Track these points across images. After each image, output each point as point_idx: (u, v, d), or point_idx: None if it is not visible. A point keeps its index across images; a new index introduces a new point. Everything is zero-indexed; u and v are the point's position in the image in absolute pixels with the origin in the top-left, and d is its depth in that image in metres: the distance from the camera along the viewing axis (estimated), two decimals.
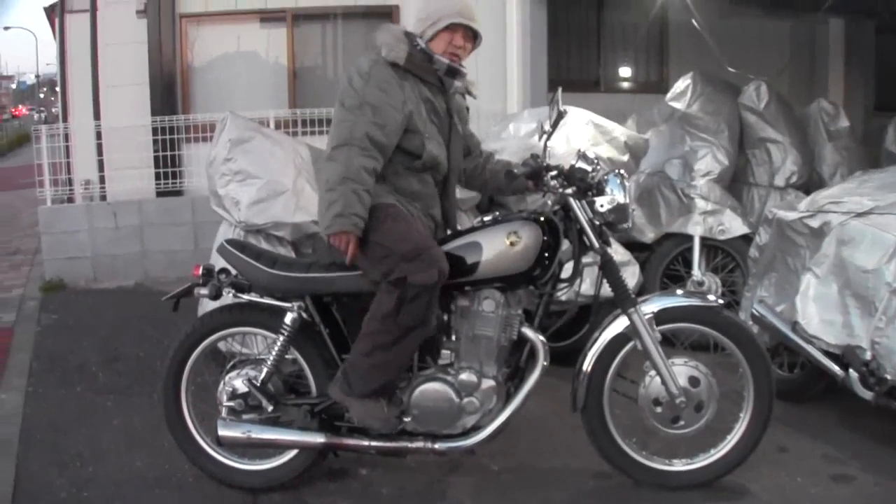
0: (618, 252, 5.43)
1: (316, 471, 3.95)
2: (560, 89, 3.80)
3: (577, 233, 3.65)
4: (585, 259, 3.70)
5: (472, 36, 3.71)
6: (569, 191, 3.63)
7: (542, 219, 3.64)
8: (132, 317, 6.73)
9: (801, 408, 4.82)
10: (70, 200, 9.04)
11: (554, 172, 3.65)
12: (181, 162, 8.58)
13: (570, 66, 9.98)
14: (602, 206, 3.61)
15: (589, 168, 3.64)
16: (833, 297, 4.37)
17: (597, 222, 3.63)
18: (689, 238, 6.17)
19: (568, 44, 9.90)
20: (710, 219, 6.14)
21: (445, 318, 3.67)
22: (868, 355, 4.09)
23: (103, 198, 8.91)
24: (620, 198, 3.62)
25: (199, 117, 8.53)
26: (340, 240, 3.51)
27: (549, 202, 3.71)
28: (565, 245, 3.67)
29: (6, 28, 52.93)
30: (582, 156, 3.68)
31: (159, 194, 8.82)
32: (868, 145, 7.65)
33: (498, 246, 3.57)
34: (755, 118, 6.53)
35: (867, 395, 4.12)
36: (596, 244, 3.61)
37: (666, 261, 6.27)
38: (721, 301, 3.79)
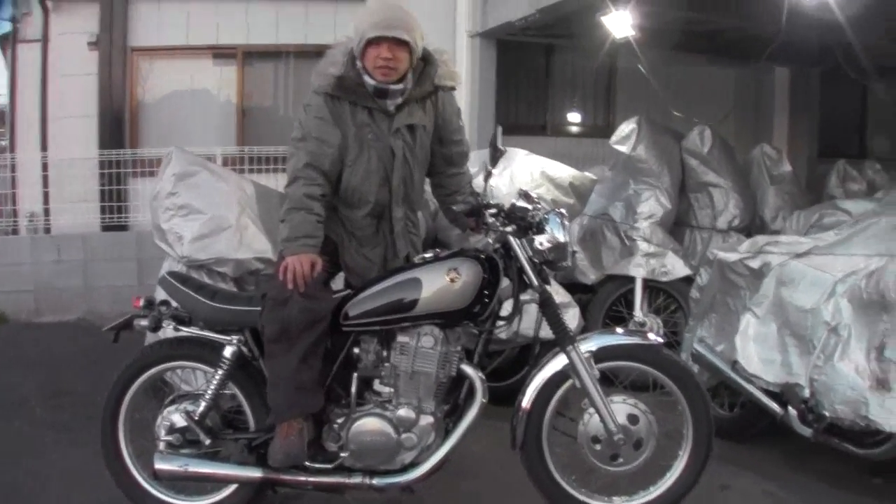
0: (559, 293, 5.43)
1: None
2: (499, 128, 3.83)
3: (516, 271, 3.64)
4: (525, 297, 3.69)
5: (404, 44, 3.66)
6: (509, 229, 3.63)
7: (482, 256, 3.65)
8: (74, 351, 6.66)
9: (742, 446, 4.86)
10: (14, 232, 8.93)
11: (493, 210, 3.66)
12: (127, 196, 8.54)
13: (519, 111, 10.05)
14: (542, 244, 3.61)
15: (529, 207, 3.65)
16: (772, 337, 4.45)
17: (536, 260, 3.63)
18: (632, 280, 6.22)
19: (516, 88, 9.96)
20: (653, 261, 6.20)
21: (385, 353, 3.65)
22: (807, 392, 4.17)
23: (48, 230, 8.84)
24: (560, 237, 3.62)
25: (147, 152, 8.52)
26: (288, 266, 3.55)
27: (490, 240, 3.71)
28: (505, 283, 3.68)
29: None
30: (523, 195, 3.70)
31: (104, 228, 8.77)
32: (812, 191, 7.80)
33: (438, 282, 3.57)
34: (698, 162, 6.65)
35: (806, 432, 4.21)
36: (535, 282, 3.61)
37: (608, 302, 6.31)
38: (661, 339, 3.80)
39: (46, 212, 8.88)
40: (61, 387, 5.96)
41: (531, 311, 3.80)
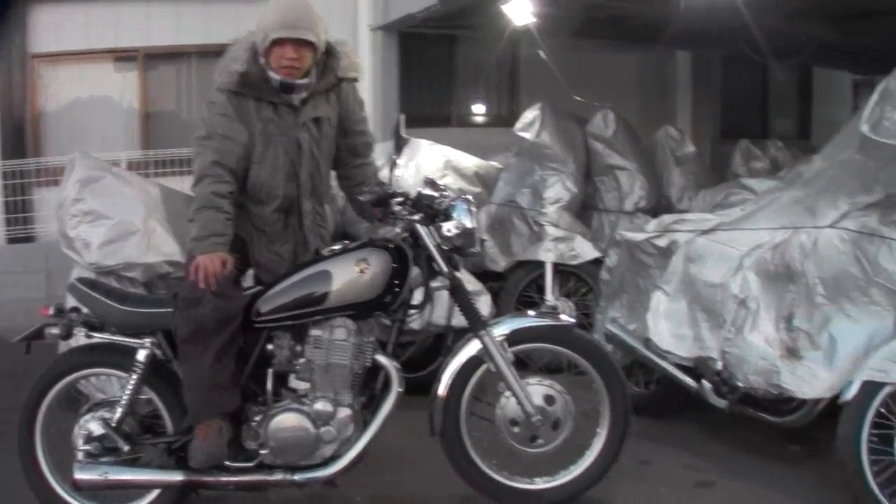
0: (469, 282, 5.47)
1: None
2: (402, 116, 3.86)
3: (425, 259, 3.67)
4: (435, 284, 3.72)
5: (308, 44, 3.68)
6: (416, 217, 3.66)
7: (390, 246, 3.67)
8: None
9: (660, 422, 4.94)
10: None
11: (400, 199, 3.68)
12: (32, 207, 8.34)
13: (423, 102, 10.05)
14: (449, 231, 3.64)
15: (435, 194, 3.68)
16: (683, 313, 4.51)
17: (445, 248, 3.66)
18: (542, 265, 6.26)
19: (420, 80, 9.97)
20: (562, 245, 6.25)
21: (299, 348, 3.65)
22: (719, 365, 4.24)
23: None
24: (468, 223, 3.66)
25: (51, 160, 8.33)
26: (199, 266, 3.53)
27: (398, 229, 3.73)
28: (415, 271, 3.70)
29: None
30: (429, 182, 3.73)
31: (10, 241, 8.58)
32: (716, 171, 7.96)
33: (348, 274, 3.58)
34: (603, 146, 6.72)
35: (721, 403, 4.28)
36: (444, 269, 3.64)
37: (519, 288, 6.36)
38: (572, 320, 3.86)
39: None
40: None
41: (443, 299, 3.83)
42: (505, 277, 6.50)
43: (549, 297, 6.18)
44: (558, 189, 6.45)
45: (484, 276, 6.32)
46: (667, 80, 11.18)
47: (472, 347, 3.74)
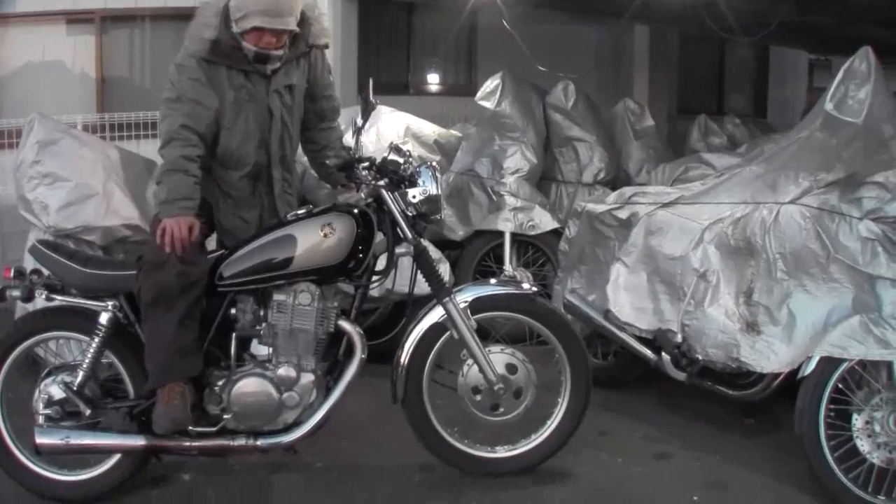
0: (429, 249, 5.49)
1: (138, 479, 3.84)
2: (370, 81, 3.84)
3: (390, 224, 3.67)
4: (400, 250, 3.72)
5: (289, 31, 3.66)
6: (381, 182, 3.65)
7: (355, 211, 3.66)
8: None
9: (619, 393, 4.99)
10: None
11: (365, 164, 3.67)
12: None
13: (381, 69, 9.95)
14: (414, 197, 3.65)
15: (401, 160, 3.68)
16: (643, 285, 4.55)
17: (410, 213, 3.67)
18: (500, 234, 6.27)
19: (378, 47, 9.89)
20: (520, 215, 6.25)
21: (262, 313, 3.64)
22: (679, 338, 4.28)
23: None
24: (432, 189, 3.67)
25: (5, 123, 8.13)
26: (166, 229, 3.50)
27: (363, 195, 3.72)
28: (379, 237, 3.70)
29: None
30: (394, 148, 3.72)
31: None
32: (672, 146, 8.01)
33: (312, 238, 3.57)
34: (562, 117, 6.74)
35: (680, 375, 4.32)
36: (409, 235, 3.65)
37: (477, 257, 6.38)
38: (535, 289, 3.88)
39: None
40: None
41: (404, 266, 3.83)
42: (463, 246, 6.52)
43: (508, 266, 6.21)
44: (518, 159, 6.47)
45: (442, 244, 6.29)
46: (624, 54, 11.20)
47: (434, 314, 3.76)
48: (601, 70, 10.75)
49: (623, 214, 4.77)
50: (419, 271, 3.76)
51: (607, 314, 4.66)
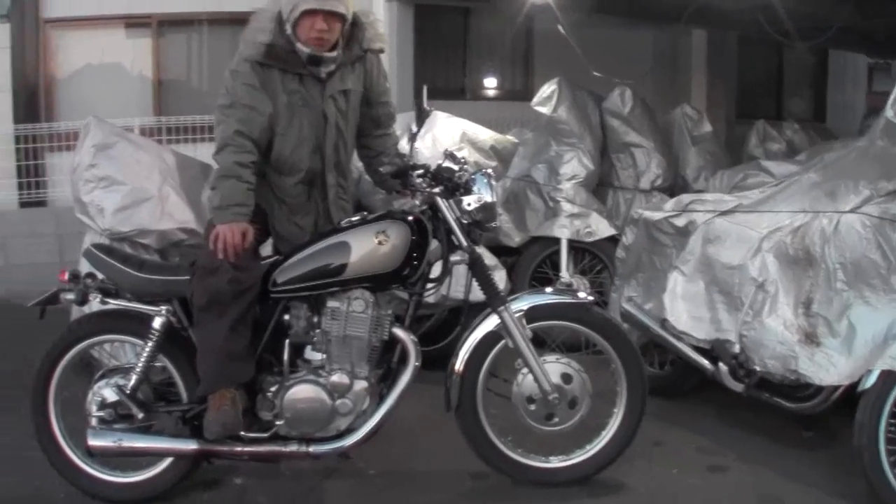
0: (485, 256, 5.44)
1: (189, 482, 3.86)
2: (425, 87, 3.82)
3: (444, 232, 3.65)
4: (454, 258, 3.69)
5: (339, 16, 3.65)
6: (436, 190, 3.63)
7: (410, 218, 3.64)
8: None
9: (674, 403, 4.90)
10: None
11: (420, 171, 3.65)
12: (45, 171, 8.30)
13: (437, 74, 9.98)
14: (469, 204, 3.62)
15: (456, 168, 3.65)
16: (700, 294, 4.47)
17: (465, 221, 3.64)
18: (557, 241, 6.21)
19: (435, 52, 9.92)
20: (577, 221, 6.20)
21: (315, 319, 3.63)
22: (737, 348, 4.20)
23: None
24: (487, 197, 3.64)
25: (64, 125, 8.28)
26: (220, 235, 3.52)
27: (418, 202, 3.70)
28: (434, 245, 3.68)
29: None
30: (449, 155, 3.70)
31: (22, 205, 8.56)
32: (731, 151, 7.87)
33: (366, 246, 3.55)
34: (619, 123, 6.64)
35: (737, 387, 4.23)
36: (464, 243, 3.62)
37: (534, 264, 6.31)
38: (591, 298, 3.83)
39: None
40: None
41: (459, 273, 3.80)
42: (519, 253, 6.47)
43: (564, 273, 6.15)
44: (574, 165, 6.40)
45: (498, 250, 6.27)
46: (682, 59, 11.08)
47: (490, 323, 3.72)
48: (659, 75, 10.68)
49: (681, 222, 4.71)
50: (474, 279, 3.72)
51: (664, 323, 4.59)
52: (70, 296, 3.74)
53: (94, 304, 3.80)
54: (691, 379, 4.82)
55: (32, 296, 3.89)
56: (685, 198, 4.93)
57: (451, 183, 3.66)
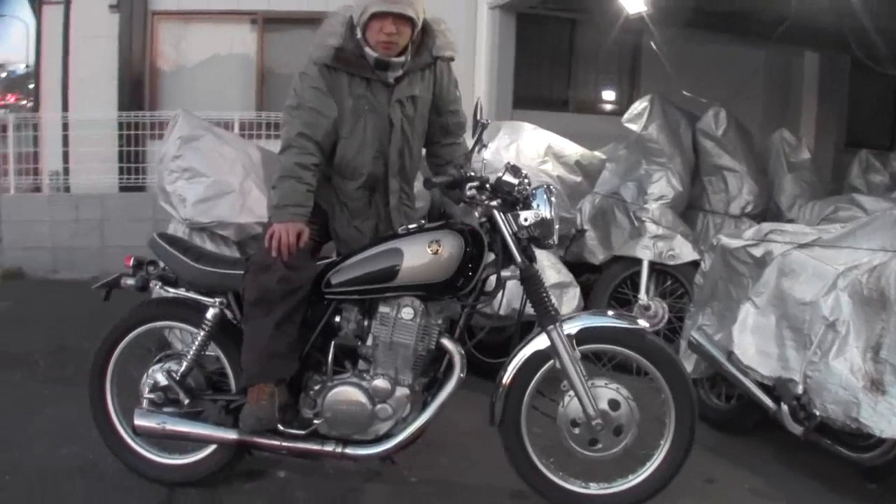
0: (560, 273, 5.43)
1: (233, 470, 3.94)
2: (479, 99, 3.80)
3: (501, 246, 3.61)
4: (506, 273, 3.64)
5: (408, 18, 3.64)
6: (494, 203, 3.59)
7: (466, 229, 3.62)
8: (84, 309, 6.63)
9: (735, 439, 4.79)
10: (37, 190, 9.01)
11: (476, 184, 3.60)
12: (145, 158, 8.56)
13: (540, 85, 9.98)
14: (526, 219, 3.57)
15: (515, 181, 3.60)
16: (771, 329, 4.34)
17: (521, 236, 3.59)
18: (639, 262, 6.11)
19: (539, 62, 9.91)
20: (661, 243, 6.09)
21: (366, 323, 3.65)
22: (800, 389, 4.06)
23: (67, 189, 8.95)
24: (545, 213, 3.58)
25: (166, 114, 8.48)
26: (274, 234, 3.57)
27: (477, 213, 3.67)
28: (491, 258, 3.64)
29: None
30: (510, 169, 3.64)
31: (122, 189, 8.85)
32: (837, 180, 7.65)
33: (419, 253, 3.54)
34: (712, 144, 6.51)
35: (797, 429, 4.10)
36: (518, 258, 3.57)
37: (614, 283, 6.22)
38: (647, 325, 3.74)
39: (66, 171, 8.99)
40: (67, 343, 6.01)
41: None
42: (601, 271, 6.39)
43: (643, 295, 6.05)
44: (663, 185, 6.31)
45: (581, 267, 6.27)
46: (794, 81, 10.83)
47: (540, 341, 3.66)
48: (768, 97, 10.49)
49: (758, 252, 4.57)
50: (526, 296, 3.68)
51: (730, 356, 4.47)
52: (130, 281, 3.89)
53: (157, 290, 3.92)
54: (755, 415, 4.67)
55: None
56: (765, 227, 4.77)
57: (511, 196, 3.61)
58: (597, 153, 5.88)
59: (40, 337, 6.28)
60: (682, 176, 6.37)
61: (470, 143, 3.81)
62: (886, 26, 6.84)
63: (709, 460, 4.38)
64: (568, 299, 5.32)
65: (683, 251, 6.08)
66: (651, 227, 6.16)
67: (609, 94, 10.46)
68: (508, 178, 3.60)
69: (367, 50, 3.69)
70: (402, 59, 3.74)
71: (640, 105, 6.50)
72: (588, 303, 5.88)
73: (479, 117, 3.72)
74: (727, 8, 8.03)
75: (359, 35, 3.69)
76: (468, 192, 3.60)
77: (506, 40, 8.69)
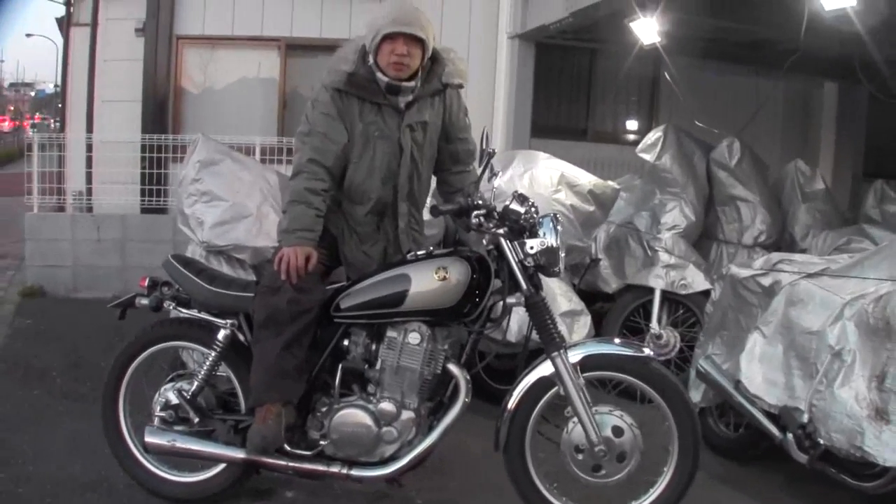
0: (571, 301, 5.47)
1: (241, 488, 4.00)
2: (484, 129, 3.88)
3: (507, 273, 3.65)
4: (511, 300, 3.69)
5: (418, 41, 3.74)
6: (500, 231, 3.64)
7: (473, 257, 3.68)
8: (103, 327, 6.73)
9: (744, 468, 4.82)
10: (61, 209, 9.13)
11: (482, 212, 3.65)
12: (167, 180, 8.66)
13: (560, 114, 10.05)
14: (532, 248, 3.61)
15: (522, 210, 3.65)
16: (778, 358, 4.37)
17: (528, 264, 3.64)
18: (651, 290, 6.16)
19: (558, 91, 9.97)
20: (673, 273, 6.13)
21: (374, 347, 3.71)
22: (805, 418, 4.08)
23: (90, 209, 9.06)
24: (551, 241, 3.62)
25: (188, 138, 8.58)
26: (283, 257, 3.64)
27: (485, 241, 3.72)
28: (498, 284, 3.69)
29: (28, 35, 53.60)
30: (517, 197, 3.69)
31: (143, 210, 8.93)
32: (854, 210, 7.64)
33: (426, 280, 3.61)
34: (726, 174, 6.55)
35: (802, 458, 4.11)
36: (523, 285, 3.61)
37: (626, 312, 6.28)
38: (652, 353, 3.78)
39: (89, 191, 9.10)
40: (85, 359, 6.13)
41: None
42: (614, 299, 6.44)
43: (654, 324, 6.08)
44: (676, 215, 6.37)
45: (595, 296, 6.32)
46: (812, 112, 10.88)
47: (544, 368, 3.70)
48: (787, 127, 10.50)
49: (767, 281, 4.62)
50: (531, 322, 3.73)
51: (738, 384, 4.50)
52: (145, 301, 3.97)
53: (171, 310, 4.00)
54: (763, 444, 4.68)
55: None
56: (774, 256, 4.85)
57: (518, 225, 3.66)
58: (610, 182, 5.92)
59: (58, 354, 6.38)
60: (695, 206, 6.42)
61: (478, 171, 3.87)
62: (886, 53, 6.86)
63: (716, 488, 4.41)
64: (579, 327, 5.36)
65: (696, 280, 6.12)
66: (664, 257, 6.22)
67: (628, 124, 10.50)
68: (515, 206, 3.66)
69: (379, 75, 3.77)
70: (412, 83, 3.82)
71: (653, 135, 6.56)
72: (600, 331, 5.93)
73: (485, 146, 3.79)
74: (741, 38, 8.07)
75: (371, 61, 3.78)
76: (474, 220, 3.65)
77: (524, 69, 8.75)
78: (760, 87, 9.98)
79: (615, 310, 6.33)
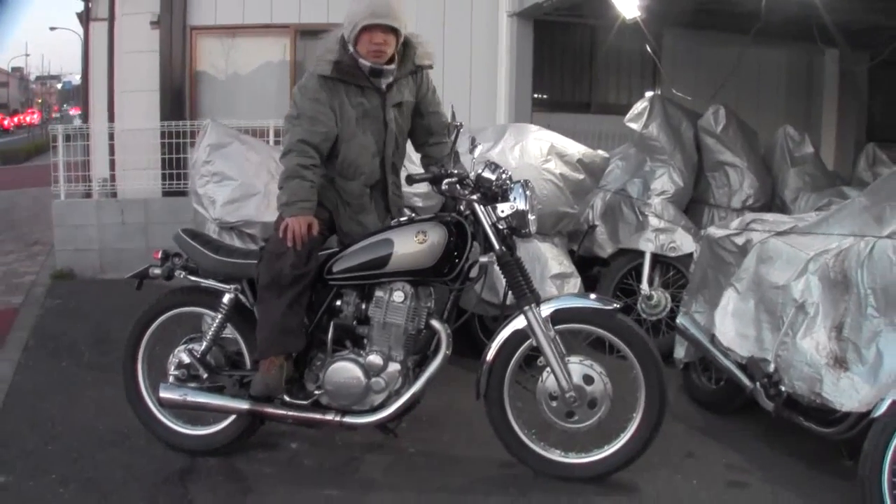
0: (562, 264, 5.76)
1: (248, 441, 4.38)
2: (451, 105, 4.21)
3: (482, 235, 3.99)
4: (483, 259, 4.00)
5: (393, 29, 4.09)
6: (474, 196, 3.98)
7: (450, 220, 4.03)
8: (127, 305, 6.91)
9: (722, 419, 5.01)
10: (88, 196, 9.45)
11: (453, 179, 3.97)
12: (186, 165, 8.82)
13: (564, 88, 10.22)
14: (503, 211, 3.96)
15: (493, 177, 3.99)
16: (749, 312, 4.57)
17: (500, 227, 3.97)
18: (643, 254, 6.39)
19: (561, 67, 10.14)
20: (662, 236, 6.35)
21: (363, 306, 4.07)
22: (771, 367, 4.27)
23: (114, 195, 9.36)
24: (521, 205, 3.95)
25: (205, 123, 8.90)
26: (286, 228, 4.01)
27: (462, 207, 4.05)
28: (476, 246, 4.03)
29: (52, 28, 53.85)
30: (489, 165, 4.04)
31: (165, 194, 9.20)
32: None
33: (407, 243, 3.96)
34: (713, 141, 6.72)
35: (769, 405, 4.30)
36: (495, 245, 3.94)
37: (619, 275, 6.53)
38: (617, 305, 4.05)
39: (112, 178, 9.40)
40: (110, 335, 6.42)
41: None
42: (608, 263, 6.70)
43: (645, 286, 6.34)
44: (664, 181, 6.57)
45: (593, 260, 6.63)
46: (814, 80, 10.96)
47: (519, 321, 4.02)
48: (789, 96, 10.57)
49: (740, 241, 4.84)
50: (505, 280, 4.05)
51: (713, 339, 4.72)
52: (157, 271, 4.38)
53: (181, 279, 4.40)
54: (741, 396, 4.79)
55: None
56: (748, 217, 5.05)
57: (490, 191, 4.01)
58: (599, 151, 6.11)
59: (86, 330, 6.78)
60: (682, 172, 6.62)
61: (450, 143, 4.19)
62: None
63: (693, 437, 4.65)
64: (569, 288, 5.64)
65: (684, 243, 6.33)
66: (653, 221, 6.44)
67: (631, 96, 10.60)
68: (487, 173, 4.00)
69: (361, 61, 4.13)
70: (391, 66, 4.19)
71: (640, 105, 6.77)
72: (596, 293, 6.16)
73: (452, 121, 4.11)
74: (735, 9, 8.18)
75: (351, 49, 4.14)
76: (444, 187, 3.99)
77: (524, 46, 8.90)
78: (764, 58, 10.11)
79: (609, 273, 6.59)
